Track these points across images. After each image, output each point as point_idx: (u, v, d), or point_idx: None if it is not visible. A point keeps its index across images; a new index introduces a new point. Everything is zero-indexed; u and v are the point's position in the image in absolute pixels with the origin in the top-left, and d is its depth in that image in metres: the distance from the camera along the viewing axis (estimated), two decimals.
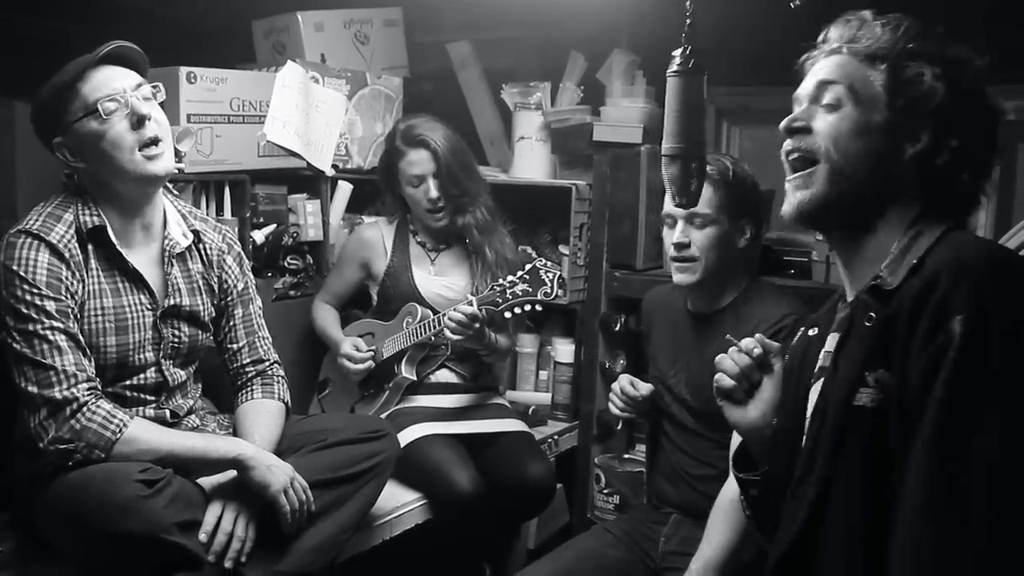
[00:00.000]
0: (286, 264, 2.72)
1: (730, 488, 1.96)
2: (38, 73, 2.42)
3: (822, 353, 1.35)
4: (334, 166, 2.83)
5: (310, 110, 2.72)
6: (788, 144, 1.31)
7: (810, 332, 1.44)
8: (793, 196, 1.30)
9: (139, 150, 1.82)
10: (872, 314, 1.19)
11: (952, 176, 1.24)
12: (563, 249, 3.00)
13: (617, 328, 2.80)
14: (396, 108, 3.01)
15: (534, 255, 3.01)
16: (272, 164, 2.62)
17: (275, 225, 2.65)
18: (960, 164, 1.24)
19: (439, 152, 2.55)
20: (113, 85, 1.82)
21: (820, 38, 1.35)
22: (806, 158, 1.28)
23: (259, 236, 2.59)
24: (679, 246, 2.10)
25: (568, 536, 2.83)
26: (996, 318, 1.05)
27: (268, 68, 2.69)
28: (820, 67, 1.30)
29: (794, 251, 2.65)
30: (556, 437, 2.84)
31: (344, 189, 2.89)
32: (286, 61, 2.66)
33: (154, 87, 1.89)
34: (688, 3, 1.42)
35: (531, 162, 3.01)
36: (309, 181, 2.79)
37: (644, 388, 2.21)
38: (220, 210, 2.49)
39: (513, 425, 2.55)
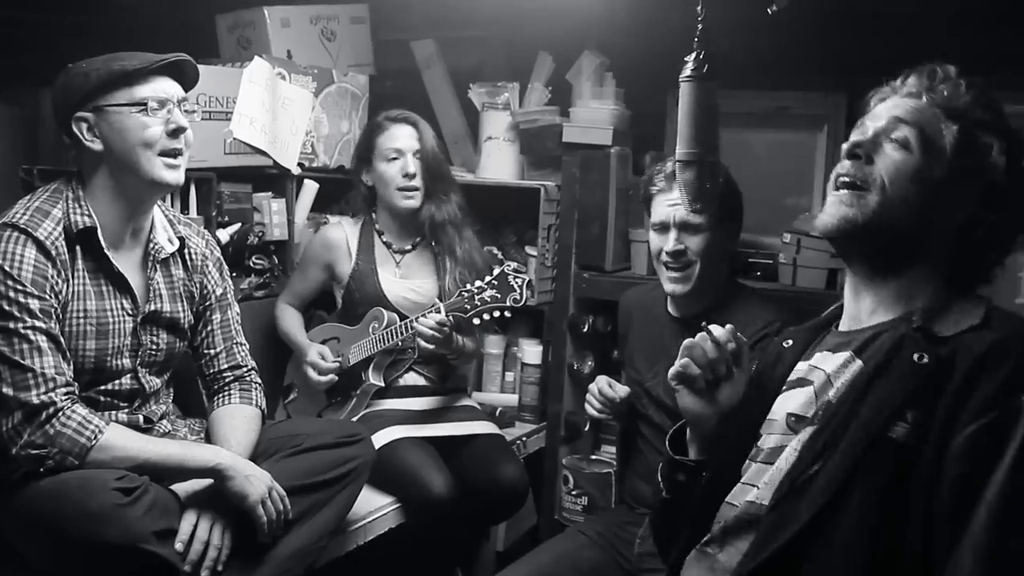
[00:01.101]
0: (251, 264, 2.67)
1: None
2: None
3: (807, 367, 1.37)
4: (300, 164, 2.79)
5: (277, 107, 2.67)
6: (844, 167, 1.31)
7: (784, 344, 1.45)
8: (837, 209, 1.30)
9: (161, 156, 1.81)
10: (924, 354, 1.20)
11: (983, 249, 1.29)
12: (529, 250, 2.99)
13: (585, 329, 2.80)
14: (362, 106, 2.98)
15: (500, 256, 3.01)
16: (239, 162, 2.57)
17: (240, 224, 2.60)
18: (992, 239, 1.28)
19: (423, 131, 2.56)
20: (166, 91, 1.84)
21: (898, 81, 1.35)
22: (858, 185, 1.29)
23: (224, 235, 2.54)
24: (676, 254, 2.09)
25: (535, 538, 2.84)
26: None
27: (233, 64, 2.63)
28: (896, 104, 1.31)
29: (760, 253, 2.69)
30: (524, 439, 2.83)
31: (310, 188, 2.85)
32: (252, 57, 2.61)
33: (194, 106, 1.95)
34: (700, 8, 1.42)
35: (499, 162, 2.99)
36: (274, 179, 2.74)
37: (622, 390, 2.22)
38: (185, 208, 2.42)
39: (485, 427, 2.54)
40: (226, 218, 2.56)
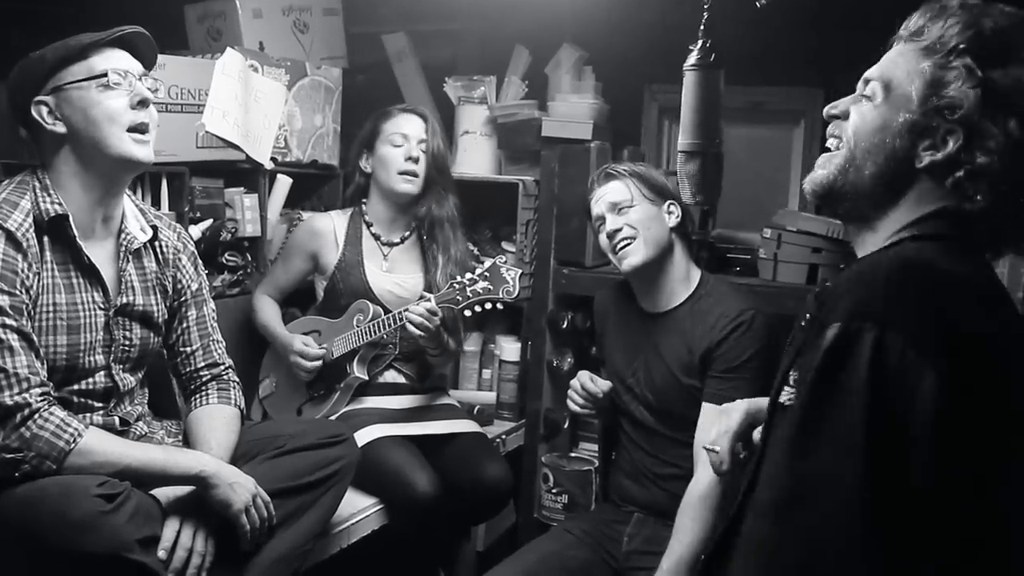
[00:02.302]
0: (224, 261, 2.60)
1: (697, 485, 1.97)
2: None
3: None
4: (273, 159, 2.72)
5: (249, 100, 2.60)
6: (829, 128, 1.28)
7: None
8: (812, 173, 1.28)
9: (128, 131, 1.73)
10: (807, 315, 1.19)
11: (966, 196, 1.16)
12: (505, 245, 2.96)
13: (564, 326, 2.78)
14: (336, 100, 2.92)
15: (475, 251, 2.97)
16: (210, 156, 2.50)
17: (212, 220, 2.53)
18: (977, 186, 1.15)
19: (432, 124, 2.56)
20: (124, 64, 1.76)
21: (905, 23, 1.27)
22: (830, 148, 1.27)
23: (195, 231, 2.47)
24: (613, 233, 2.14)
25: (514, 537, 2.81)
26: (861, 334, 1.02)
27: (202, 55, 2.56)
28: (884, 55, 1.26)
29: (738, 248, 2.69)
30: (503, 437, 2.80)
31: (283, 183, 2.78)
32: (223, 48, 2.54)
33: (155, 83, 1.86)
34: None
35: (475, 157, 2.96)
36: (246, 174, 2.68)
37: (604, 384, 2.20)
38: (157, 203, 2.35)
39: (467, 426, 2.50)
40: (197, 214, 2.50)
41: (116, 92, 1.73)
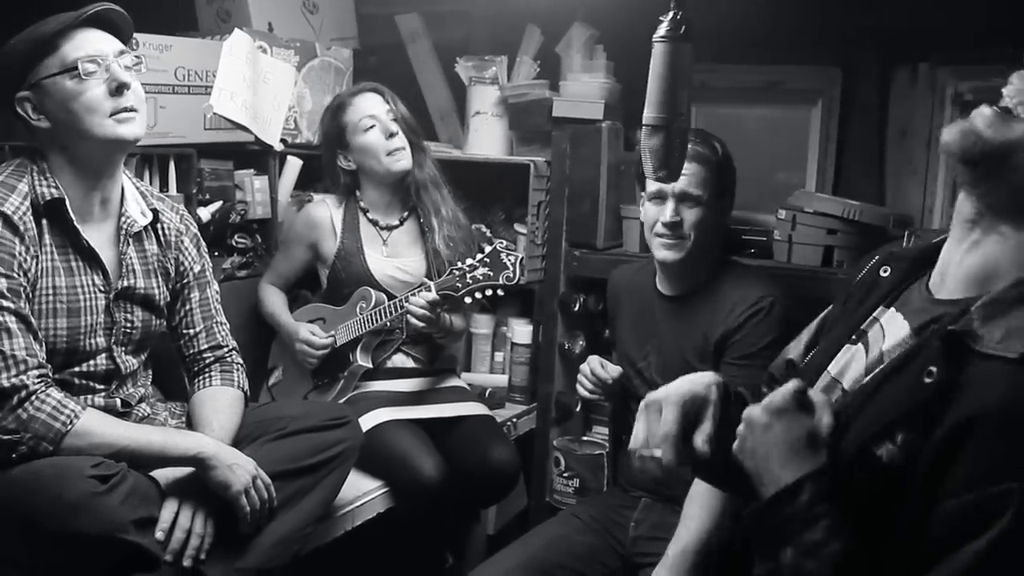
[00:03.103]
0: (234, 243, 2.60)
1: None
2: None
3: (885, 315, 1.21)
4: (283, 140, 2.71)
5: (258, 82, 2.59)
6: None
7: (882, 272, 1.29)
8: (970, 123, 1.11)
9: (110, 116, 1.71)
10: (934, 369, 1.01)
11: None
12: (518, 227, 2.93)
13: (576, 308, 2.75)
14: (346, 81, 2.90)
15: (488, 233, 2.95)
16: (219, 138, 2.49)
17: (221, 202, 2.53)
18: None
19: (387, 93, 2.51)
20: (97, 47, 1.73)
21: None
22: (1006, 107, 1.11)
23: (205, 213, 2.47)
24: (672, 225, 2.03)
25: (525, 520, 2.80)
26: None
27: (212, 36, 2.55)
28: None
29: (753, 230, 2.64)
30: (514, 420, 2.78)
31: (293, 165, 2.77)
32: (232, 29, 2.53)
33: (137, 57, 1.81)
34: None
35: (487, 138, 2.92)
36: (256, 156, 2.67)
37: (614, 370, 2.17)
38: (165, 186, 2.35)
39: (475, 408, 2.49)
40: (207, 196, 2.49)
41: (92, 81, 1.70)
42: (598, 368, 2.17)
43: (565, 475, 2.65)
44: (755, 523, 1.12)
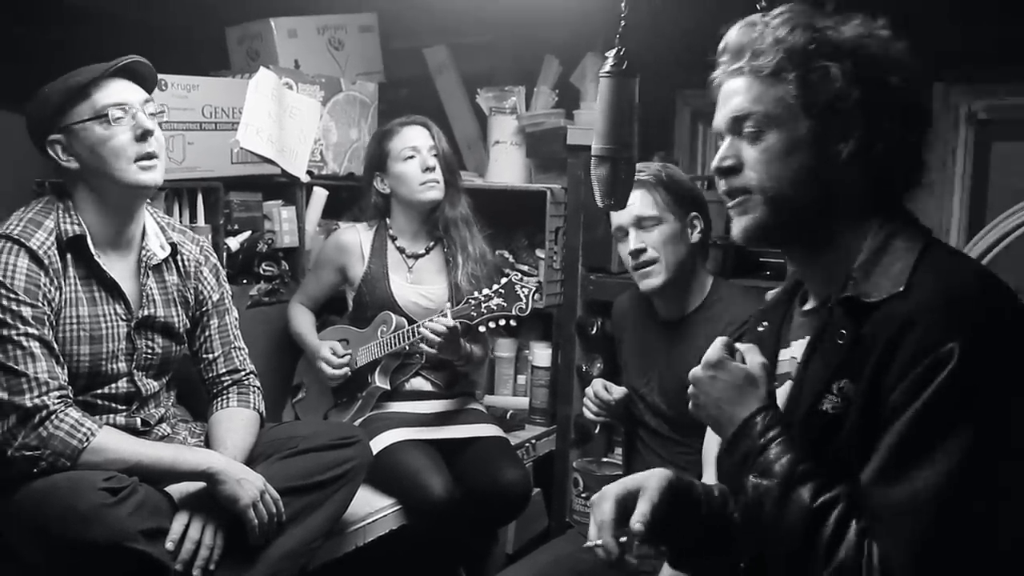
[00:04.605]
0: (261, 271, 2.72)
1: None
2: (10, 78, 2.43)
3: (788, 359, 1.33)
4: (309, 172, 2.83)
5: (284, 116, 2.72)
6: (722, 186, 1.26)
7: (759, 328, 1.42)
8: (738, 222, 1.26)
9: (135, 161, 1.85)
10: (844, 331, 1.17)
11: (893, 163, 1.20)
12: (539, 253, 3.00)
13: (593, 331, 2.80)
14: (371, 114, 3.01)
15: (511, 259, 3.02)
16: (246, 171, 2.62)
17: (250, 232, 2.65)
18: (897, 148, 1.19)
19: (435, 131, 2.62)
20: (125, 96, 1.87)
21: (720, 46, 1.27)
22: (746, 193, 1.24)
23: (234, 243, 2.60)
24: (636, 253, 2.11)
25: (547, 541, 2.83)
26: (986, 348, 1.06)
27: (242, 75, 2.68)
28: (730, 91, 1.25)
29: (769, 252, 2.65)
30: (534, 441, 2.84)
31: (319, 195, 2.89)
32: (259, 67, 2.66)
33: (160, 106, 1.95)
34: (623, 4, 1.43)
35: (507, 166, 3.01)
36: (284, 187, 2.79)
37: (617, 392, 2.21)
38: (193, 217, 2.48)
39: (488, 430, 2.55)
40: (236, 226, 2.62)
41: (119, 127, 1.84)
42: (601, 391, 2.22)
43: (583, 495, 2.68)
44: (726, 463, 1.28)
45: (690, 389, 1.30)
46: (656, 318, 2.22)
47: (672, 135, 3.04)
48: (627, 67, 1.39)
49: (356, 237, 2.69)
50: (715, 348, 1.28)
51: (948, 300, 1.09)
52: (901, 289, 1.12)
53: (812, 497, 1.12)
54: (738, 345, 1.31)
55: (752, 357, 1.28)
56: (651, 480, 1.27)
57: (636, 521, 1.21)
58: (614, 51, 1.39)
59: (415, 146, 2.58)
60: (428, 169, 2.56)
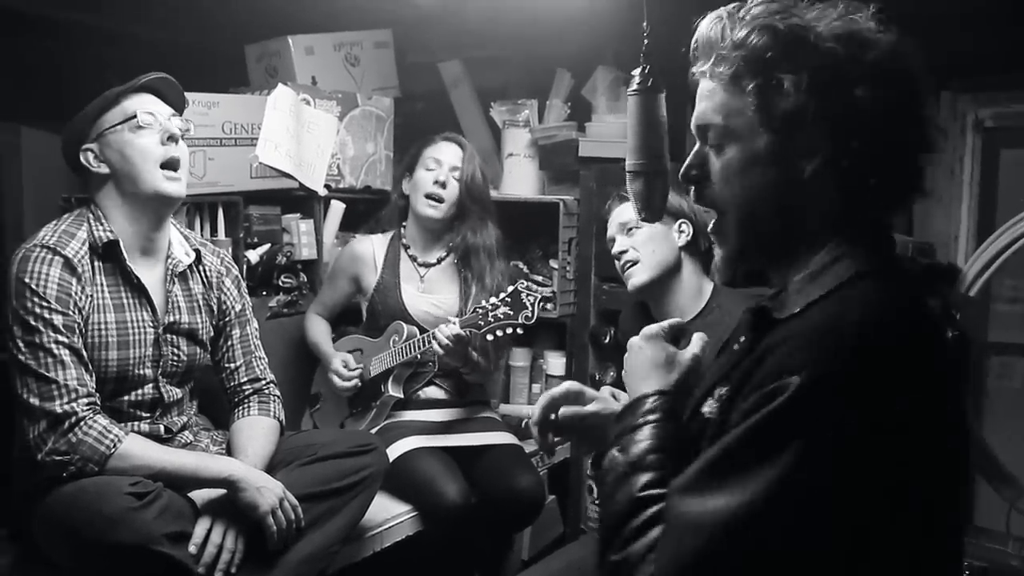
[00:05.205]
0: (280, 283, 2.77)
1: None
2: (43, 99, 2.51)
3: None
4: (327, 186, 2.89)
5: (302, 131, 2.78)
6: (693, 194, 1.22)
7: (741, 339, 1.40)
8: (717, 258, 1.23)
9: (161, 168, 1.93)
10: (741, 340, 1.19)
11: (863, 183, 1.09)
12: (553, 263, 3.04)
13: (606, 340, 2.83)
14: (387, 128, 3.07)
15: (525, 269, 3.06)
16: (265, 185, 2.68)
17: (269, 245, 2.71)
18: (869, 168, 1.08)
19: (468, 153, 2.67)
20: (153, 107, 1.97)
21: (692, 42, 1.18)
22: (715, 208, 1.20)
23: (253, 256, 2.65)
24: (619, 255, 2.25)
25: (561, 546, 2.87)
26: (826, 390, 0.97)
27: (261, 91, 2.75)
28: (700, 94, 1.17)
29: None
30: None
31: (337, 208, 2.95)
32: (277, 84, 2.73)
33: (186, 121, 2.04)
34: (644, 24, 1.47)
35: (520, 178, 3.06)
36: (302, 201, 2.85)
37: (626, 399, 2.25)
38: (214, 231, 2.54)
39: (502, 437, 2.59)
40: (255, 239, 2.68)
41: (147, 131, 1.93)
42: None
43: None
44: (614, 428, 1.24)
45: (625, 356, 1.33)
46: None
47: (683, 147, 3.06)
48: (653, 83, 1.43)
49: (370, 247, 2.75)
50: (657, 325, 1.31)
51: (814, 333, 1.02)
52: (796, 311, 1.08)
53: (642, 487, 1.09)
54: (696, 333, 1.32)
55: (693, 345, 1.29)
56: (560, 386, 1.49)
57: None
58: (639, 69, 1.43)
59: (439, 159, 2.64)
60: (438, 183, 2.61)
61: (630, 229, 2.24)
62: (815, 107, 1.07)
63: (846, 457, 0.95)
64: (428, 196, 2.63)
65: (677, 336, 1.31)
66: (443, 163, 2.64)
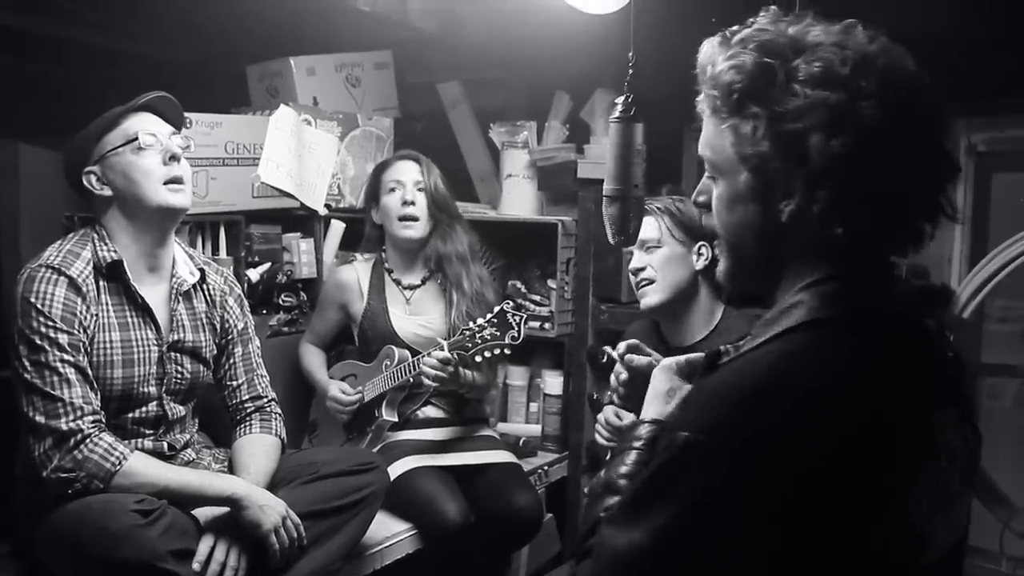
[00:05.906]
0: (280, 302, 2.79)
1: None
2: (41, 116, 2.53)
3: None
4: (327, 205, 2.92)
5: (303, 151, 2.80)
6: (706, 221, 1.24)
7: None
8: (718, 276, 1.22)
9: (164, 184, 1.94)
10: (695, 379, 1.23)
11: (833, 230, 1.03)
12: (551, 283, 3.07)
13: (604, 360, 2.84)
14: (387, 148, 3.10)
15: (523, 289, 3.09)
16: (266, 204, 2.70)
17: (270, 264, 2.73)
18: (831, 216, 1.03)
19: (426, 166, 2.67)
20: (153, 127, 1.98)
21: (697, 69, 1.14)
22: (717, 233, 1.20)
23: (254, 275, 2.67)
24: (635, 271, 2.25)
25: (559, 565, 2.88)
26: (715, 447, 0.97)
27: (262, 111, 2.78)
28: (703, 124, 1.16)
29: None
30: (546, 468, 2.89)
31: (337, 228, 2.97)
32: (279, 104, 2.76)
33: (186, 139, 2.05)
34: (631, 54, 1.51)
35: (519, 199, 3.09)
36: (303, 220, 2.88)
37: (628, 419, 2.27)
38: (216, 250, 2.56)
39: (501, 456, 2.60)
40: (256, 258, 2.69)
41: (149, 152, 1.95)
42: (612, 418, 2.27)
43: None
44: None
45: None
46: (664, 346, 2.28)
47: (680, 168, 3.11)
48: (634, 113, 1.47)
49: (354, 275, 2.76)
50: (674, 359, 1.32)
51: (714, 390, 1.03)
52: (729, 358, 1.09)
53: (605, 508, 1.13)
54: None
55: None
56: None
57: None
58: (622, 98, 1.47)
59: (400, 179, 2.65)
60: (407, 203, 2.62)
61: (649, 247, 2.24)
62: (775, 151, 1.03)
63: (717, 512, 0.97)
64: (402, 219, 2.64)
65: (694, 371, 1.30)
66: (405, 182, 2.65)
